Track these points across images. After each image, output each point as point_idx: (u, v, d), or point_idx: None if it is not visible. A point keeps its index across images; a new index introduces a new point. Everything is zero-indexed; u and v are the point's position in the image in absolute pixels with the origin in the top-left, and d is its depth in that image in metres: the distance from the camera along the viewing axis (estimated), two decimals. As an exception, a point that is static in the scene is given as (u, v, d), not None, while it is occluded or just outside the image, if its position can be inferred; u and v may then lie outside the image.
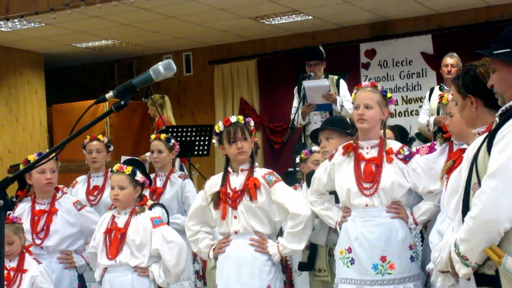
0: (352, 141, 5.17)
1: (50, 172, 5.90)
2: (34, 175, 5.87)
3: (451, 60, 9.17)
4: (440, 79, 10.86)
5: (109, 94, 3.09)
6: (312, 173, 5.82)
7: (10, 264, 5.50)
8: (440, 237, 4.46)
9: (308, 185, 5.78)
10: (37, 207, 5.93)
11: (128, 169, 5.52)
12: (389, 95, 5.12)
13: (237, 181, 5.17)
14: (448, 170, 4.57)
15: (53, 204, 5.96)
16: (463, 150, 4.56)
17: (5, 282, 5.39)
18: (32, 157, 5.84)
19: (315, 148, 6.35)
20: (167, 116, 10.91)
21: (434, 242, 4.44)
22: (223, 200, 5.13)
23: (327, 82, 8.52)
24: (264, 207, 5.10)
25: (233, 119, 5.17)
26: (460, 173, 3.52)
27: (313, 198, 5.34)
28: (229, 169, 5.23)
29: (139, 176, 5.52)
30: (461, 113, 3.76)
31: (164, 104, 11.07)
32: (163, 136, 7.19)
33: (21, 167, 5.96)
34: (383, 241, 4.92)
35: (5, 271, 5.42)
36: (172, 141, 7.19)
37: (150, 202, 6.23)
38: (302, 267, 5.76)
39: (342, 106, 8.38)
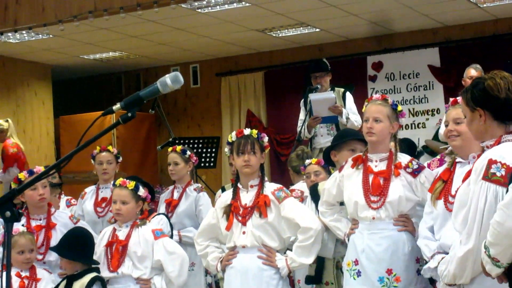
0: (361, 154, 5.16)
1: (41, 187, 5.86)
2: (27, 192, 5.79)
3: (475, 72, 9.07)
4: (448, 92, 10.89)
5: (117, 106, 3.10)
6: (315, 186, 5.82)
7: (23, 273, 5.54)
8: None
9: (312, 198, 5.78)
10: (33, 223, 5.91)
11: (131, 184, 5.52)
12: (399, 108, 5.11)
13: (247, 197, 5.17)
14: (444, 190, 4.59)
15: (49, 219, 5.95)
16: (450, 171, 4.59)
17: (20, 291, 5.49)
18: (23, 176, 5.82)
19: (307, 161, 6.34)
20: (14, 140, 10.75)
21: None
22: (233, 213, 5.14)
23: (333, 94, 8.53)
24: (273, 224, 5.09)
25: (247, 131, 5.18)
26: (469, 186, 3.52)
27: (323, 209, 5.34)
28: (239, 185, 5.23)
29: (142, 191, 5.53)
30: (470, 126, 3.75)
31: (8, 129, 10.82)
32: (178, 148, 7.21)
33: (13, 185, 5.91)
34: (389, 254, 4.91)
35: (19, 279, 5.50)
36: (188, 152, 7.19)
37: (154, 213, 6.25)
38: (309, 280, 5.74)
39: (348, 118, 8.38)
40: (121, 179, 5.66)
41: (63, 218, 6.05)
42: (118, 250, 5.44)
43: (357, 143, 5.55)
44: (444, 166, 4.76)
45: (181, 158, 7.17)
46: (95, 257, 5.60)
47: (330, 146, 5.81)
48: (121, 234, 5.50)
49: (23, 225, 5.64)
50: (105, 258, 5.49)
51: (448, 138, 4.70)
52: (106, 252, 5.49)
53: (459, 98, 4.76)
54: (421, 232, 4.73)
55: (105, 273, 5.46)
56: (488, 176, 3.39)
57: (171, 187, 7.29)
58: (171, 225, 6.52)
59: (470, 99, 3.67)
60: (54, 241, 5.86)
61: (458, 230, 3.64)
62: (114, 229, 5.56)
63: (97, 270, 5.52)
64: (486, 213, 3.38)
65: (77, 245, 5.48)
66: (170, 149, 7.30)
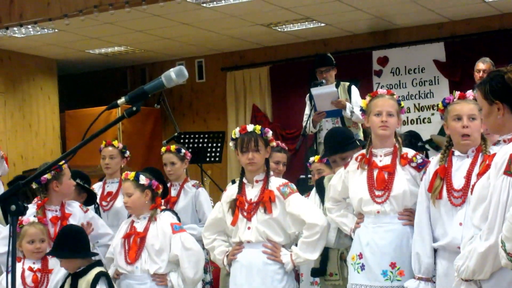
0: (364, 151, 5.15)
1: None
2: (66, 181, 5.92)
3: (483, 66, 9.08)
4: (453, 87, 10.86)
5: (121, 100, 3.11)
6: (320, 179, 5.83)
7: (35, 266, 5.55)
8: None
9: (317, 191, 5.79)
10: (50, 214, 5.94)
11: (131, 175, 5.52)
12: (402, 104, 5.13)
13: (252, 192, 5.18)
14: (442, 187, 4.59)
15: (63, 210, 5.99)
16: (445, 168, 4.58)
17: (33, 284, 5.48)
18: (64, 165, 5.87)
19: (311, 159, 6.36)
20: None
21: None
22: (238, 208, 5.15)
23: (335, 88, 8.53)
24: (278, 219, 5.10)
25: (250, 128, 5.17)
26: (489, 180, 3.47)
27: (329, 205, 5.34)
28: (244, 180, 5.24)
29: (143, 180, 5.49)
30: (487, 119, 3.68)
31: None
32: (173, 147, 7.15)
33: (49, 176, 5.96)
34: (393, 247, 4.91)
35: (32, 273, 5.51)
36: (183, 150, 7.16)
37: (162, 207, 6.24)
38: (315, 273, 5.76)
39: (352, 111, 8.37)
40: (125, 172, 5.67)
41: (74, 207, 6.07)
42: (136, 242, 5.44)
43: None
44: (435, 162, 4.74)
45: (177, 157, 7.13)
46: (111, 249, 5.63)
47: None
48: (139, 226, 5.49)
49: (34, 216, 5.67)
50: (122, 249, 5.48)
51: (461, 136, 4.62)
52: (124, 244, 5.49)
53: (469, 92, 4.71)
54: (416, 244, 4.76)
55: (121, 263, 5.46)
56: (510, 171, 3.32)
57: (167, 185, 7.21)
58: (179, 220, 6.48)
59: (488, 92, 3.59)
60: None
61: (476, 226, 3.56)
62: (132, 221, 5.56)
63: (100, 263, 5.53)
64: (509, 208, 3.32)
65: (71, 243, 5.42)
66: (163, 149, 7.23)
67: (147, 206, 5.53)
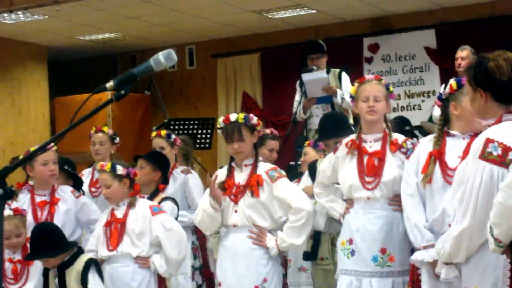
0: (354, 137, 5.15)
1: (52, 163, 5.88)
2: (37, 167, 5.82)
3: (461, 53, 9.09)
4: (443, 74, 10.88)
5: (110, 84, 3.09)
6: (313, 163, 5.84)
7: (16, 256, 5.51)
8: None
9: (310, 174, 5.81)
10: (38, 199, 5.89)
11: (108, 166, 5.50)
12: (391, 89, 5.13)
13: (240, 176, 5.22)
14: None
15: (53, 195, 5.94)
16: (439, 151, 4.56)
17: (12, 276, 5.43)
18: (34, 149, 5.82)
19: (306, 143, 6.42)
20: None
21: None
22: (227, 190, 5.18)
23: (326, 74, 8.51)
24: (265, 203, 5.13)
25: (233, 117, 5.18)
26: (467, 164, 3.52)
27: (318, 190, 5.35)
28: (233, 164, 5.27)
29: (121, 170, 5.48)
30: (472, 104, 3.73)
31: None
32: (163, 132, 7.12)
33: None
34: (383, 233, 4.92)
35: (12, 264, 5.46)
36: (173, 136, 7.14)
37: (162, 195, 6.21)
38: (307, 256, 5.78)
39: (343, 98, 8.37)
40: (100, 163, 5.66)
41: (66, 192, 6.04)
42: (116, 229, 5.45)
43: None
44: (425, 143, 4.70)
45: (167, 142, 7.09)
46: (93, 240, 5.59)
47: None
48: (119, 213, 5.51)
49: (10, 209, 5.58)
50: (104, 237, 5.48)
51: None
52: (105, 232, 5.49)
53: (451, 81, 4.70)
54: (412, 216, 4.69)
55: (103, 252, 5.45)
56: (484, 155, 3.39)
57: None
58: (178, 208, 6.39)
59: (472, 79, 3.64)
60: (57, 217, 5.82)
61: (455, 208, 3.64)
62: (113, 209, 5.57)
63: (82, 250, 5.49)
64: (482, 192, 3.38)
65: (50, 241, 5.33)
66: (154, 134, 7.20)
67: (126, 194, 5.54)
